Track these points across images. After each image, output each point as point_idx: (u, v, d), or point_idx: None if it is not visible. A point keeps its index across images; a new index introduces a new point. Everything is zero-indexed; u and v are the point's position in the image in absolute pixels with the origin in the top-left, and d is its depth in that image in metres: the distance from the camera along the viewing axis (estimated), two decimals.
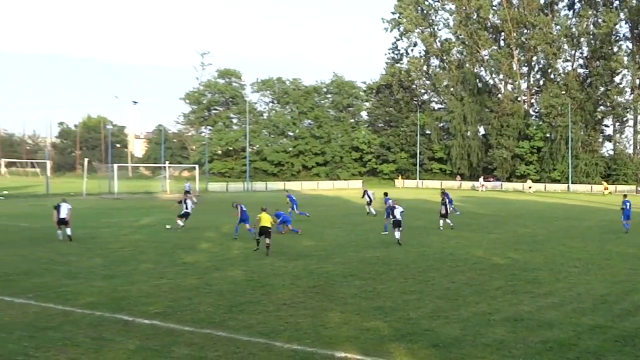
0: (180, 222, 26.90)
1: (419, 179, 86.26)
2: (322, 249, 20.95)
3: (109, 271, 16.63)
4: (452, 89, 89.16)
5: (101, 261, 18.18)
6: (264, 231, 20.27)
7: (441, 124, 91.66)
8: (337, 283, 15.30)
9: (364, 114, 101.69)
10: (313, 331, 11.00)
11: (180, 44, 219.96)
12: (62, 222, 22.93)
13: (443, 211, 27.76)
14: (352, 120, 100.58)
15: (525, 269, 17.25)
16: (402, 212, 23.48)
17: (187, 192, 40.44)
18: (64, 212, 22.99)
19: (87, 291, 14.16)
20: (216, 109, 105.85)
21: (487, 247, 21.59)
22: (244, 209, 25.46)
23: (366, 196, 35.32)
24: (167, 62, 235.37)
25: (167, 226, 27.49)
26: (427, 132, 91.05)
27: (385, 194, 30.97)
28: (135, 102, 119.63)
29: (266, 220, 20.68)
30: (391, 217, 23.67)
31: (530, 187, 71.37)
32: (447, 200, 28.79)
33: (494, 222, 31.16)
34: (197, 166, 64.05)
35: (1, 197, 48.71)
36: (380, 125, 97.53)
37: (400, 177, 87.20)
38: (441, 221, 27.50)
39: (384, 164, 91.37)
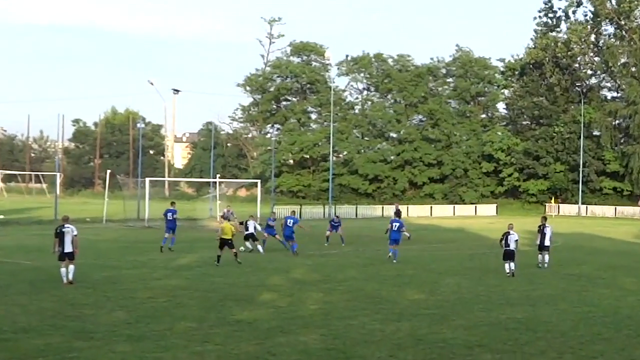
0: (249, 245, 31.88)
1: (582, 203, 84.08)
2: (435, 305, 20.76)
3: (135, 330, 17.10)
4: (633, 69, 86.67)
5: (125, 316, 18.72)
6: (225, 243, 27.28)
7: (617, 122, 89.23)
8: (458, 357, 15.13)
9: (500, 106, 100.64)
10: None
11: (239, 10, 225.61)
12: (67, 256, 23.50)
13: (540, 242, 30.33)
14: (484, 116, 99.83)
15: None
16: (517, 240, 26.57)
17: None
18: (68, 241, 23.50)
19: (105, 357, 14.62)
20: (288, 100, 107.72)
21: None
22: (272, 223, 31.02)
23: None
24: (220, 35, 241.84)
25: (241, 248, 30.33)
26: (595, 133, 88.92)
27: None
28: (152, 84, 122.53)
29: (227, 231, 27.48)
30: (503, 245, 27.04)
31: None
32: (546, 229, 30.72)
33: None
34: (259, 182, 65.04)
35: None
36: (524, 123, 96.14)
37: (553, 200, 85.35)
38: (541, 256, 30.12)
39: (530, 181, 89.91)
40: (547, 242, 30.22)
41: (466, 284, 25.18)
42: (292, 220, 35.17)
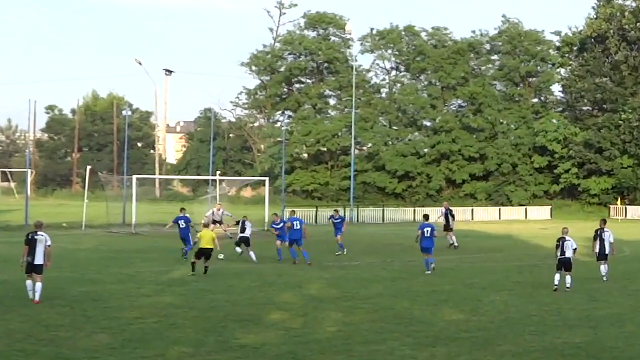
0: (238, 249, 32.49)
1: None
2: (478, 328, 20.75)
3: (119, 357, 17.13)
4: None
5: (108, 339, 18.77)
6: (204, 253, 29.31)
7: None
8: None
9: (556, 88, 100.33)
10: None
11: None
12: (35, 270, 23.45)
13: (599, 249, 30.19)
14: (536, 101, 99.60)
15: None
16: (575, 249, 27.54)
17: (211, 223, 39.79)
18: (40, 252, 23.47)
19: None
20: (301, 82, 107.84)
21: None
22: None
23: None
24: (220, 3, 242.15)
25: (220, 256, 28.66)
26: None
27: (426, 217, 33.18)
28: (140, 63, 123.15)
29: (208, 240, 29.10)
30: (558, 253, 27.47)
31: None
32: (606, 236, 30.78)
33: None
34: (266, 180, 65.08)
35: None
36: (584, 109, 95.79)
37: (619, 201, 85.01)
38: (602, 267, 30.04)
39: (591, 178, 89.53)
40: (607, 250, 30.11)
41: (514, 302, 25.13)
42: (299, 222, 35.91)
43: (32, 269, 23.48)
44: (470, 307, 23.95)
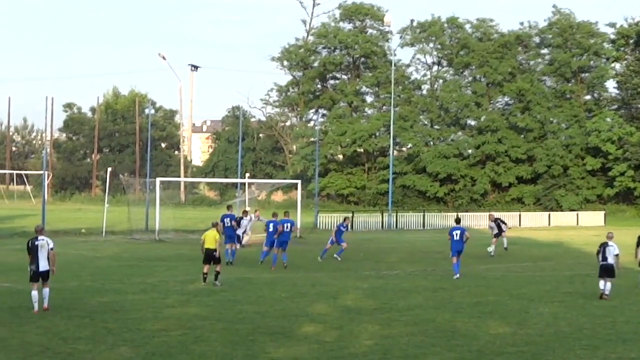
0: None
1: None
2: (525, 342, 20.73)
3: None
4: None
5: (130, 353, 18.92)
6: (210, 256, 29.46)
7: None
8: None
9: (610, 85, 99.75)
10: None
11: None
12: (42, 276, 23.78)
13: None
14: (588, 98, 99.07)
15: None
16: (617, 254, 28.12)
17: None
18: (43, 257, 23.78)
19: None
20: (336, 78, 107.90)
21: None
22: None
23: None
24: None
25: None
26: None
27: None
28: (164, 58, 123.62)
29: (211, 240, 29.39)
30: (599, 259, 28.38)
31: None
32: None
33: None
34: (299, 183, 65.24)
35: None
36: None
37: None
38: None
39: None
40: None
41: (564, 314, 25.07)
42: (289, 224, 37.29)
43: (38, 277, 23.75)
44: (517, 320, 23.91)
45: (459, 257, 34.03)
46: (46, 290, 23.86)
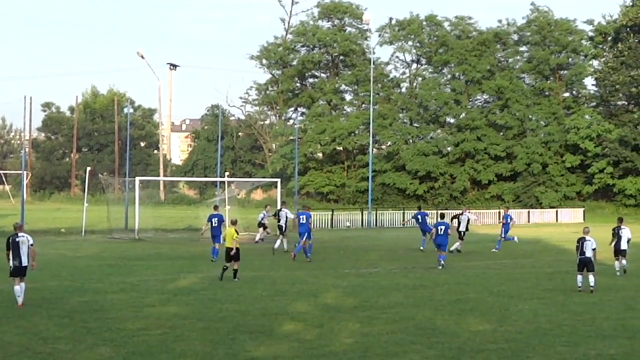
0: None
1: None
2: (505, 339, 20.77)
3: None
4: None
5: (110, 353, 18.87)
6: (228, 254, 30.42)
7: None
8: None
9: (589, 82, 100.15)
10: None
11: None
12: (22, 272, 24.42)
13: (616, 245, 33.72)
14: (567, 95, 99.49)
15: None
16: (594, 248, 28.87)
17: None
18: (24, 253, 24.43)
19: None
20: (315, 76, 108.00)
21: None
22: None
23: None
24: None
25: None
26: None
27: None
28: (143, 57, 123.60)
29: (230, 238, 30.47)
30: (578, 254, 29.09)
31: None
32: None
33: None
34: (278, 181, 65.17)
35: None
36: (620, 103, 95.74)
37: None
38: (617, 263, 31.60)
39: (627, 178, 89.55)
40: (623, 246, 33.56)
41: (544, 311, 25.13)
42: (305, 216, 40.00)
43: (19, 272, 24.27)
44: (497, 317, 23.96)
45: (443, 250, 36.52)
46: (22, 286, 24.24)
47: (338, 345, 19.89)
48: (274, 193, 72.27)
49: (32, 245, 24.63)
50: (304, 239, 38.79)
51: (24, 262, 24.34)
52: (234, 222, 31.56)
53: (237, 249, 30.60)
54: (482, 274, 34.64)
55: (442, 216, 40.94)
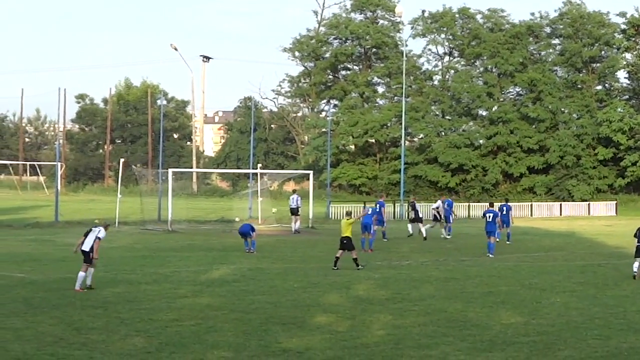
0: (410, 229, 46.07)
1: None
2: (537, 331, 20.69)
3: None
4: None
5: (143, 343, 18.95)
6: (344, 244, 31.81)
7: None
8: None
9: (621, 75, 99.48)
10: None
11: None
12: (85, 257, 26.04)
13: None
14: (600, 88, 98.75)
15: None
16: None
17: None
18: (90, 240, 26.08)
19: None
20: (348, 69, 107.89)
21: None
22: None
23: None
24: None
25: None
26: None
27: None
28: (176, 49, 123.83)
29: (344, 229, 31.88)
30: (637, 241, 29.66)
31: None
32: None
33: None
34: (311, 173, 65.17)
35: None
36: None
37: None
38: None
39: None
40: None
41: (576, 304, 25.01)
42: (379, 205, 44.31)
43: (83, 256, 26.13)
44: (529, 310, 23.87)
45: (493, 236, 37.90)
46: (82, 274, 25.85)
47: (370, 337, 19.87)
48: (306, 185, 72.20)
49: (98, 238, 26.23)
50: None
51: (84, 247, 26.00)
52: (349, 214, 34.28)
53: (349, 238, 32.03)
54: (514, 267, 34.53)
55: (492, 205, 42.68)
